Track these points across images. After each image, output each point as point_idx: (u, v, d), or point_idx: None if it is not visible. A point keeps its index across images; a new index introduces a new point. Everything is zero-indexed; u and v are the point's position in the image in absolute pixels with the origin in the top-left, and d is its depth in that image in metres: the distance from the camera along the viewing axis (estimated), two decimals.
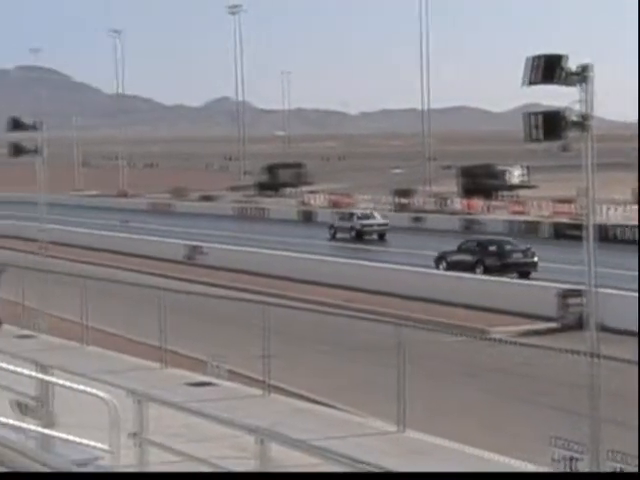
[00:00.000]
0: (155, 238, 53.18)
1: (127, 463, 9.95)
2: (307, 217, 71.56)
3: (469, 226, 60.16)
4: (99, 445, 9.82)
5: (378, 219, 57.45)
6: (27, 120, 31.23)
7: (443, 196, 74.15)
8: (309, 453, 8.72)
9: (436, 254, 40.45)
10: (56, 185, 70.67)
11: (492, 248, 39.90)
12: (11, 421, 10.21)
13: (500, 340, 17.51)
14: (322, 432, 13.32)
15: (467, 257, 39.22)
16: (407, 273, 35.99)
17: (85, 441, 9.89)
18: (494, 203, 68.88)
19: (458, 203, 70.33)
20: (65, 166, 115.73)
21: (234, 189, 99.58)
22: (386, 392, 14.56)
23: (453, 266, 38.29)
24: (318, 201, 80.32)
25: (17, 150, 31.79)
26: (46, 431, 10.06)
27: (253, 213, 75.93)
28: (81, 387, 10.27)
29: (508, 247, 40.00)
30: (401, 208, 71.20)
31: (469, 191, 74.56)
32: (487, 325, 26.61)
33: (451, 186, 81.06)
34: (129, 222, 66.33)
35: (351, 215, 58.30)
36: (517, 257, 39.39)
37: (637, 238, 48.01)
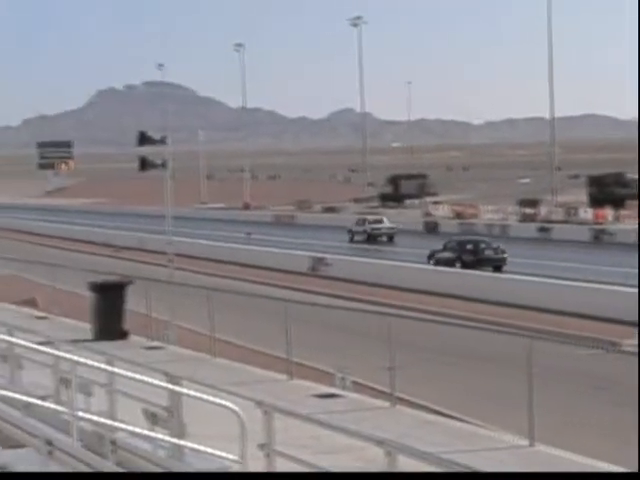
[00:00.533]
0: (279, 250, 53.59)
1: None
2: (431, 228, 71.25)
3: (598, 236, 59.09)
4: (228, 455, 9.89)
5: (386, 224, 65.70)
6: (154, 135, 31.84)
7: (571, 206, 73.02)
8: (437, 466, 8.63)
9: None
10: (182, 198, 71.97)
11: (469, 246, 45.92)
12: (142, 430, 10.36)
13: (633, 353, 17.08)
14: (450, 445, 13.19)
15: (449, 254, 45.25)
16: (532, 284, 35.49)
17: (214, 451, 9.96)
18: (624, 212, 67.48)
19: (587, 213, 69.15)
20: (190, 179, 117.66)
21: (357, 201, 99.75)
22: (514, 404, 14.35)
23: (439, 262, 44.55)
24: (442, 212, 79.92)
25: (145, 164, 32.42)
26: (176, 441, 10.17)
27: None
28: (210, 398, 10.36)
29: (482, 245, 46.01)
30: (527, 218, 70.46)
31: (598, 200, 73.20)
32: (618, 337, 26.00)
33: (578, 195, 79.75)
34: (252, 234, 66.98)
35: (364, 221, 66.29)
36: (489, 254, 45.30)
37: None
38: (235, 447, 9.97)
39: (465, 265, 43.38)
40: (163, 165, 30.61)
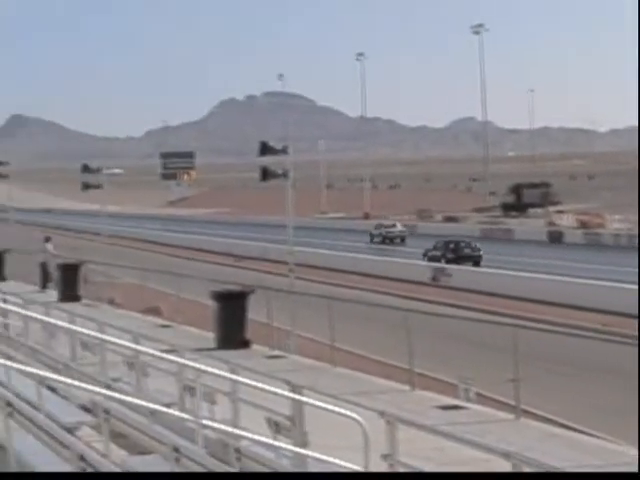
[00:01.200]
0: (400, 259, 53.41)
1: None
2: (555, 238, 70.18)
3: None
4: (351, 466, 9.84)
5: (399, 227, 78.39)
6: (276, 145, 32.04)
7: None
8: None
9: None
10: (302, 208, 72.44)
11: (451, 245, 55.07)
12: (266, 439, 10.40)
13: None
14: (576, 459, 12.92)
15: (437, 252, 54.25)
16: None
17: (337, 461, 9.93)
18: None
19: None
20: (311, 189, 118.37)
21: (479, 210, 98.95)
22: None
23: (430, 259, 53.32)
24: (567, 221, 78.64)
25: (266, 174, 32.65)
26: (299, 450, 10.17)
27: (498, 234, 75.15)
28: (333, 408, 10.34)
29: (462, 244, 55.27)
30: None
31: None
32: None
33: None
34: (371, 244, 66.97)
35: (380, 225, 78.91)
36: (467, 251, 54.36)
37: None
38: (358, 457, 9.91)
39: (448, 261, 51.97)
40: (284, 175, 30.77)
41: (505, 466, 9.05)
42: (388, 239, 74.55)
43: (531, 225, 79.56)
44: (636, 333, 23.56)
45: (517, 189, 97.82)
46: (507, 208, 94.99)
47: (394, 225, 78.79)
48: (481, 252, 54.31)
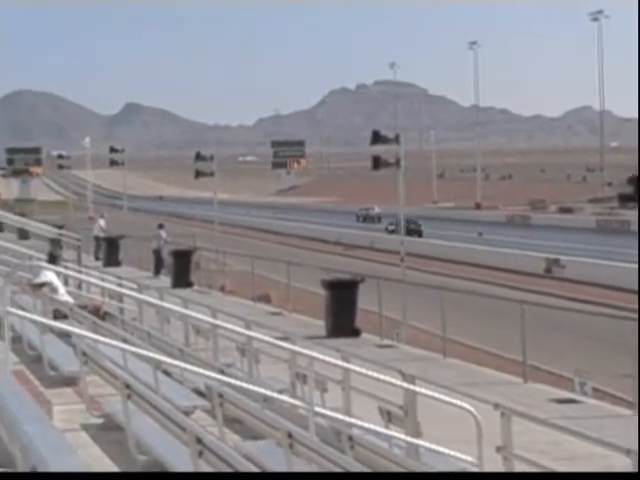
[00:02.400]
0: (512, 251, 52.84)
1: None
2: None
3: None
4: (465, 457, 9.75)
5: (376, 210, 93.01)
6: (388, 134, 31.91)
7: None
8: None
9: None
10: (413, 197, 72.17)
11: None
12: (379, 428, 10.35)
13: None
14: None
15: (392, 227, 66.49)
16: None
17: (450, 452, 9.84)
18: None
19: None
20: (421, 178, 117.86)
21: (595, 201, 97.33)
22: None
23: (389, 232, 69.02)
24: None
25: (378, 163, 32.55)
26: (412, 440, 10.11)
27: (615, 226, 73.73)
28: (447, 398, 10.24)
29: (409, 222, 63.63)
30: None
31: None
32: None
33: None
34: (483, 234, 66.37)
35: (363, 208, 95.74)
36: (412, 227, 66.85)
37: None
38: (471, 449, 9.81)
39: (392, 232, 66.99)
40: (396, 164, 30.62)
41: (625, 463, 8.84)
42: (368, 218, 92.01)
43: None
44: None
45: (635, 180, 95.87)
46: (624, 199, 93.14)
47: (372, 208, 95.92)
48: (421, 226, 71.80)
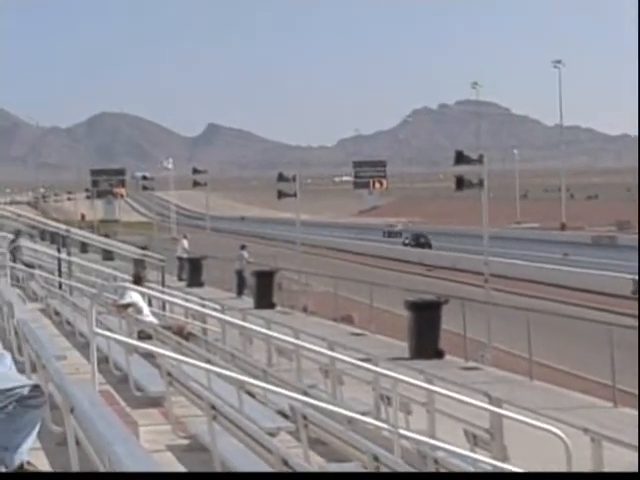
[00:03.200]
0: (598, 272, 52.08)
1: None
2: None
3: None
4: None
5: (399, 227, 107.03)
6: (471, 154, 31.72)
7: None
8: None
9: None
10: (496, 218, 71.59)
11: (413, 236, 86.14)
12: (464, 451, 10.23)
13: None
14: None
15: (407, 240, 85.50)
16: None
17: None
18: None
19: None
20: (505, 199, 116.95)
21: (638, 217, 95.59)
22: None
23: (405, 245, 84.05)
24: None
25: (461, 183, 32.37)
26: (499, 463, 9.96)
27: None
28: (535, 422, 10.08)
29: (420, 235, 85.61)
30: None
31: None
32: None
33: None
34: (568, 255, 65.55)
35: (388, 225, 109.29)
36: (422, 240, 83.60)
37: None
38: None
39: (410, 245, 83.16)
40: (479, 184, 30.39)
41: None
42: (392, 234, 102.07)
43: None
44: None
45: None
46: None
47: (395, 225, 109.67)
48: (430, 239, 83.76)
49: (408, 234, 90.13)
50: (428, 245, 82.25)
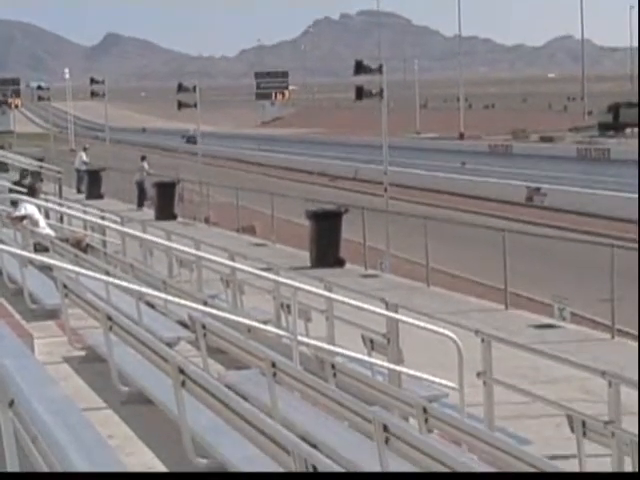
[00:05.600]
0: (494, 180, 52.92)
1: (473, 401, 9.98)
2: None
3: None
4: (447, 382, 9.88)
5: (191, 132, 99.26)
6: (371, 64, 31.68)
7: None
8: None
9: None
10: (396, 128, 71.89)
11: None
12: (361, 356, 10.47)
13: None
14: None
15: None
16: None
17: (432, 378, 9.98)
18: None
19: None
20: (405, 109, 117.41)
21: (575, 130, 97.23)
22: None
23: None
24: None
25: (361, 93, 32.36)
26: (394, 367, 10.22)
27: (595, 154, 73.75)
28: (428, 326, 10.35)
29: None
30: None
31: None
32: None
33: None
34: (466, 164, 66.38)
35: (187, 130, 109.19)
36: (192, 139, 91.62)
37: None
38: (452, 375, 9.95)
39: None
40: (379, 94, 30.46)
41: (601, 384, 8.98)
42: (189, 139, 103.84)
43: (628, 145, 77.85)
44: None
45: (614, 108, 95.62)
46: (604, 128, 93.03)
47: (189, 130, 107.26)
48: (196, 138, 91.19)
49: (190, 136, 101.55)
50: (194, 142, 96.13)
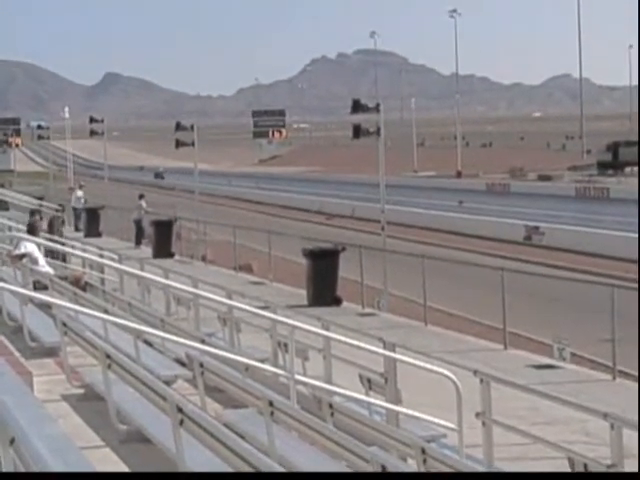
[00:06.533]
0: (492, 218, 52.97)
1: (472, 442, 9.92)
2: None
3: None
4: (445, 423, 9.83)
5: (161, 168, 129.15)
6: (368, 103, 31.81)
7: None
8: None
9: None
10: (393, 166, 72.05)
11: None
12: (359, 395, 10.43)
13: None
14: None
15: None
16: None
17: (430, 418, 9.93)
18: None
19: None
20: (402, 147, 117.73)
21: (574, 168, 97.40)
22: None
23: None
24: None
25: (358, 132, 32.49)
26: (392, 406, 10.18)
27: (594, 193, 73.82)
28: (426, 365, 10.32)
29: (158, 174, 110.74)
30: None
31: None
32: None
33: None
34: (463, 202, 66.49)
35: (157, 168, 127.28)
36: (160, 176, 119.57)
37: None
38: (450, 415, 9.90)
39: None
40: (377, 133, 30.58)
41: (603, 426, 8.93)
42: (157, 175, 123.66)
43: (628, 184, 77.95)
44: None
45: (614, 147, 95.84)
46: (603, 166, 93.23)
47: (159, 167, 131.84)
48: (163, 173, 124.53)
49: (158, 172, 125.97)
50: (162, 177, 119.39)
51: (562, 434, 11.33)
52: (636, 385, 14.72)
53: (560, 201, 66.16)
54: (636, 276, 30.73)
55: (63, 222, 34.00)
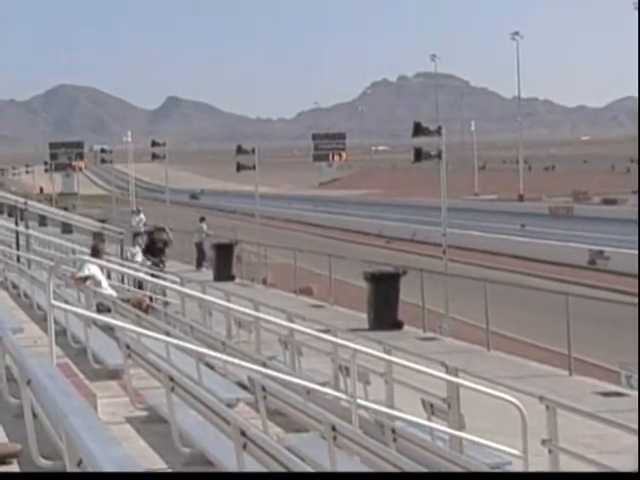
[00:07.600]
0: (556, 242, 52.46)
1: (537, 470, 9.76)
2: None
3: None
4: (509, 450, 9.69)
5: (198, 190, 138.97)
6: (429, 126, 31.74)
7: None
8: None
9: None
10: (454, 189, 71.81)
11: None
12: (421, 420, 10.33)
13: None
14: None
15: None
16: None
17: (494, 445, 9.79)
18: None
19: None
20: (463, 170, 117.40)
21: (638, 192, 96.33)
22: None
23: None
24: None
25: (420, 155, 32.42)
26: (456, 432, 10.06)
27: None
28: (490, 391, 10.18)
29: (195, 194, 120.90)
30: None
31: None
32: None
33: None
34: (526, 226, 65.85)
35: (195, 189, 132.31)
36: (197, 196, 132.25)
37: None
38: (515, 442, 9.75)
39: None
40: (438, 156, 30.47)
41: None
42: (194, 195, 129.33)
43: None
44: None
45: None
46: None
47: (197, 189, 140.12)
48: (200, 194, 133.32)
49: (195, 193, 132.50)
50: (197, 198, 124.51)
51: (629, 463, 11.11)
52: None
53: (625, 225, 65.41)
54: None
55: (123, 245, 34.25)
